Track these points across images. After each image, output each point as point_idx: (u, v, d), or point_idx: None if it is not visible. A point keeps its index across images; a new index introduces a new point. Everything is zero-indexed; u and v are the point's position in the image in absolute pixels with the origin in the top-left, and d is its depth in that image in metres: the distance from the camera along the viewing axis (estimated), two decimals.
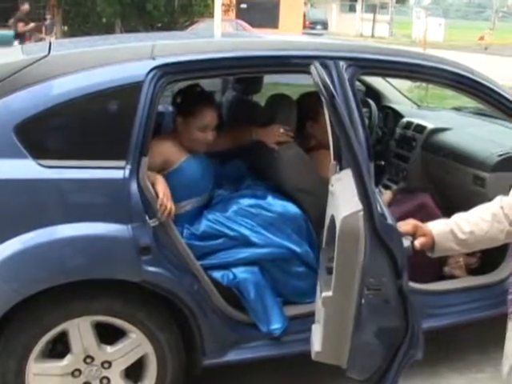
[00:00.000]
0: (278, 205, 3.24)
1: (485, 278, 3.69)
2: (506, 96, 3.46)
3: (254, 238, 3.14)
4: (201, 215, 3.24)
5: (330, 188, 2.90)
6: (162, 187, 2.87)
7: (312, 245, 3.28)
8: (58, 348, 2.92)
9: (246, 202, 3.26)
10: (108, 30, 21.27)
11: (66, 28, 23.03)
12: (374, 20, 42.41)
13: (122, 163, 2.72)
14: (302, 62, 2.98)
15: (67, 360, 2.86)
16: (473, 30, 38.72)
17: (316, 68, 2.43)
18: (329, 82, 2.37)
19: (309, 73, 2.63)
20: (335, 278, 2.49)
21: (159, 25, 21.96)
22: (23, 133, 2.64)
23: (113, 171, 2.72)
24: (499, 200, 2.36)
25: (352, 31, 41.76)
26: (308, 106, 3.58)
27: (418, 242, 2.33)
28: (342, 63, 3.09)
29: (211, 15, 19.30)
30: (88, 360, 2.88)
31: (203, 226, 3.17)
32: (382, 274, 2.41)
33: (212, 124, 3.24)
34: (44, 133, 2.73)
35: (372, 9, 44.12)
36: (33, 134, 2.69)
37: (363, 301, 2.41)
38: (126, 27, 21.51)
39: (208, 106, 3.24)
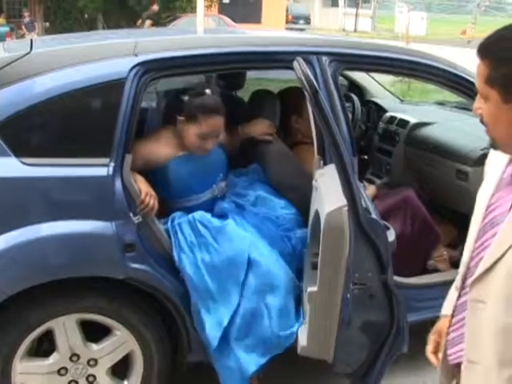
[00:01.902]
0: (224, 230, 2.97)
1: None
2: None
3: (179, 259, 2.92)
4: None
5: (314, 183, 2.91)
6: (143, 185, 2.86)
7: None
8: (44, 346, 2.91)
9: (199, 214, 3.02)
10: (90, 25, 21.18)
11: (47, 24, 22.87)
12: (356, 14, 42.47)
13: (105, 160, 2.71)
14: (285, 58, 2.98)
15: (53, 358, 2.86)
16: (455, 24, 38.94)
17: (299, 63, 2.43)
18: (312, 77, 2.38)
19: (292, 68, 2.63)
20: (320, 273, 2.50)
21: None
22: (6, 131, 2.63)
23: (96, 169, 2.71)
24: None
25: (334, 26, 41.81)
26: (292, 101, 3.58)
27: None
28: (324, 58, 3.10)
29: (193, 10, 19.25)
30: (74, 358, 2.87)
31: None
32: (367, 269, 2.42)
33: (215, 133, 3.07)
34: (27, 131, 2.72)
35: (354, 3, 44.14)
36: (15, 131, 2.67)
37: (348, 295, 2.43)
38: (108, 23, 21.41)
39: (214, 115, 3.03)
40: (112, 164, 2.71)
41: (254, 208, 3.20)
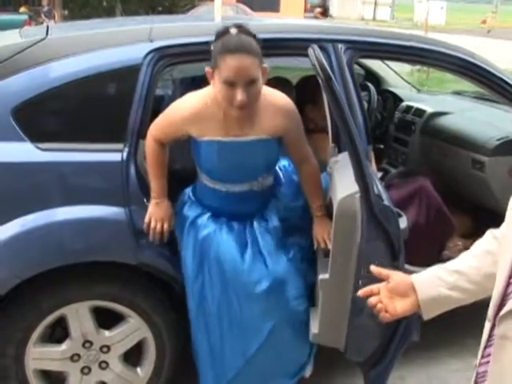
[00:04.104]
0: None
1: None
2: (507, 80, 3.44)
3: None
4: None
5: (328, 170, 2.90)
6: (151, 207, 2.78)
7: None
8: (57, 333, 2.93)
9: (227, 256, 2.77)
10: (108, 13, 21.20)
11: (66, 12, 22.92)
12: (375, 3, 42.31)
13: (120, 146, 2.72)
14: (300, 45, 2.96)
15: (66, 345, 2.87)
16: (475, 14, 38.67)
17: (314, 50, 2.42)
18: (326, 63, 2.36)
19: (306, 55, 2.62)
20: (332, 260, 2.50)
21: (160, 8, 21.87)
22: (21, 116, 2.64)
23: (111, 154, 2.72)
24: (490, 232, 1.84)
25: (353, 14, 41.65)
26: (307, 89, 3.57)
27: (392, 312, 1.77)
28: (340, 46, 3.07)
29: None
30: (87, 345, 2.88)
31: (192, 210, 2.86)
32: (379, 256, 2.40)
33: (240, 78, 2.45)
34: (42, 116, 2.74)
35: None
36: (30, 116, 2.69)
37: (360, 283, 2.42)
38: (126, 11, 21.41)
39: (233, 53, 2.45)
40: (126, 149, 2.72)
41: (303, 222, 2.95)
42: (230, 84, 2.47)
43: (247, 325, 2.80)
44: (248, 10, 22.60)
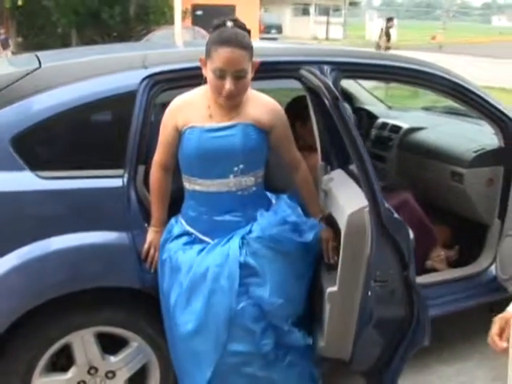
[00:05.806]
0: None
1: (465, 270, 3.81)
2: (482, 96, 3.58)
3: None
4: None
5: (323, 187, 2.96)
6: (149, 235, 2.82)
7: None
8: (62, 361, 2.91)
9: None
10: (64, 40, 21.10)
11: (20, 39, 22.73)
12: (327, 22, 42.87)
13: (120, 172, 2.75)
14: (288, 68, 3.06)
15: (72, 372, 2.86)
16: (424, 30, 39.41)
17: (312, 72, 2.49)
18: (331, 84, 2.44)
19: (295, 78, 2.67)
20: (340, 272, 2.55)
21: (115, 34, 21.83)
22: (20, 144, 2.65)
23: (111, 180, 2.74)
24: None
25: (306, 34, 42.11)
26: (296, 108, 3.63)
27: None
28: (326, 67, 3.12)
29: (167, 23, 19.25)
30: (92, 371, 2.88)
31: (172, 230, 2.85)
32: (388, 267, 2.47)
33: (230, 68, 2.55)
34: (41, 144, 2.75)
35: (325, 12, 44.62)
36: (30, 145, 2.69)
37: (369, 293, 2.48)
38: (81, 37, 21.36)
39: (225, 45, 2.55)
40: (126, 175, 2.75)
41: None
42: (220, 74, 2.56)
43: (188, 365, 2.77)
44: (203, 31, 22.61)
